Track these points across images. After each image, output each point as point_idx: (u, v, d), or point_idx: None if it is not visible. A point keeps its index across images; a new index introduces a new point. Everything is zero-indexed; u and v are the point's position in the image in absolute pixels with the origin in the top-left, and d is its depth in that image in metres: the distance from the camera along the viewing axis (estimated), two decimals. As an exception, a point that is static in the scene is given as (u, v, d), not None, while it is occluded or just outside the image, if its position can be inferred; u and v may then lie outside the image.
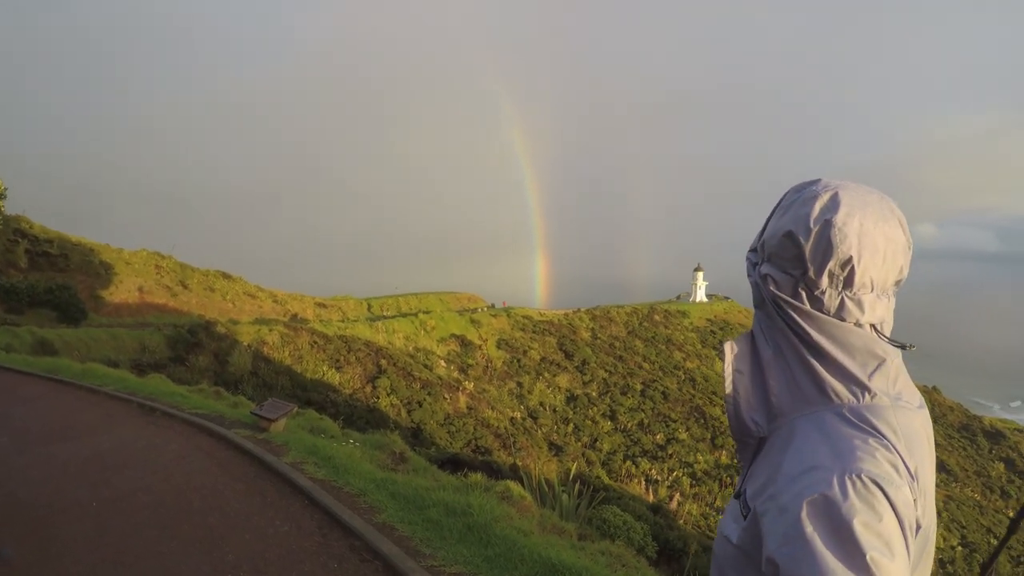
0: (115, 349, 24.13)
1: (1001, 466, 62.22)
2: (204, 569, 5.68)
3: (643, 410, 48.90)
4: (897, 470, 1.27)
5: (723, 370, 1.53)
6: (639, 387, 53.03)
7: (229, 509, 7.34)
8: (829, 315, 1.41)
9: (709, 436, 45.17)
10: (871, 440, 1.30)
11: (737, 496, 1.49)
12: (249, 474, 8.74)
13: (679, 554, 11.34)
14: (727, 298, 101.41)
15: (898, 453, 1.30)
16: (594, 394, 51.33)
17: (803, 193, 1.45)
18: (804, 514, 1.21)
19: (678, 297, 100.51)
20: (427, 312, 58.40)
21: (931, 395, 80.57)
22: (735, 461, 41.25)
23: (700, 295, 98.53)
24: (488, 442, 29.64)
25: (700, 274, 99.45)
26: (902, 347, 1.46)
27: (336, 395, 27.88)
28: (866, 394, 1.39)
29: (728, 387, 1.52)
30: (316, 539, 6.62)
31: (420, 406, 30.69)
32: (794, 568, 1.18)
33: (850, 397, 1.40)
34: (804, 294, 1.43)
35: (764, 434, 1.47)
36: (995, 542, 36.30)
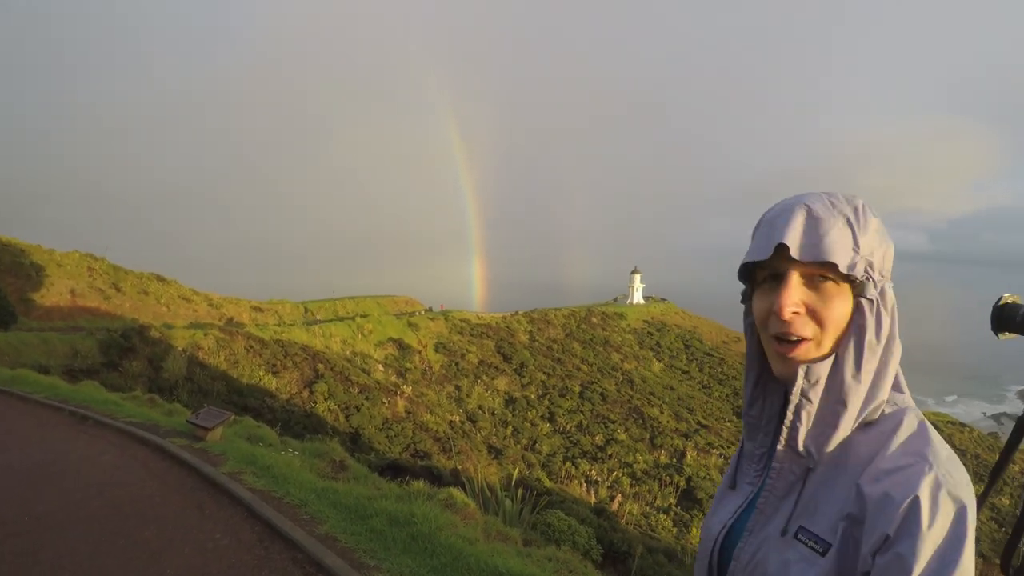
0: (46, 354, 23.57)
1: (936, 459, 64.09)
2: (143, 587, 5.55)
3: (582, 412, 49.16)
4: None
5: (792, 395, 1.39)
6: (577, 389, 53.28)
7: (167, 522, 7.19)
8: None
9: (648, 436, 45.55)
10: (941, 441, 1.34)
11: (784, 534, 1.37)
12: (186, 485, 8.59)
13: (624, 556, 11.41)
14: (664, 300, 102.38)
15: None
16: (533, 396, 51.46)
17: (852, 205, 1.41)
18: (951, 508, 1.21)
19: (615, 299, 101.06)
20: (364, 316, 58.04)
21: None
22: (674, 460, 41.72)
23: (637, 297, 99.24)
24: (427, 446, 29.56)
25: (637, 276, 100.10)
26: None
27: (273, 400, 27.58)
28: (903, 394, 1.45)
29: (789, 416, 1.41)
30: (257, 552, 6.50)
31: (358, 411, 30.51)
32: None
33: (904, 399, 1.44)
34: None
35: (813, 465, 1.39)
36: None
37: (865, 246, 1.38)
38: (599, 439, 44.76)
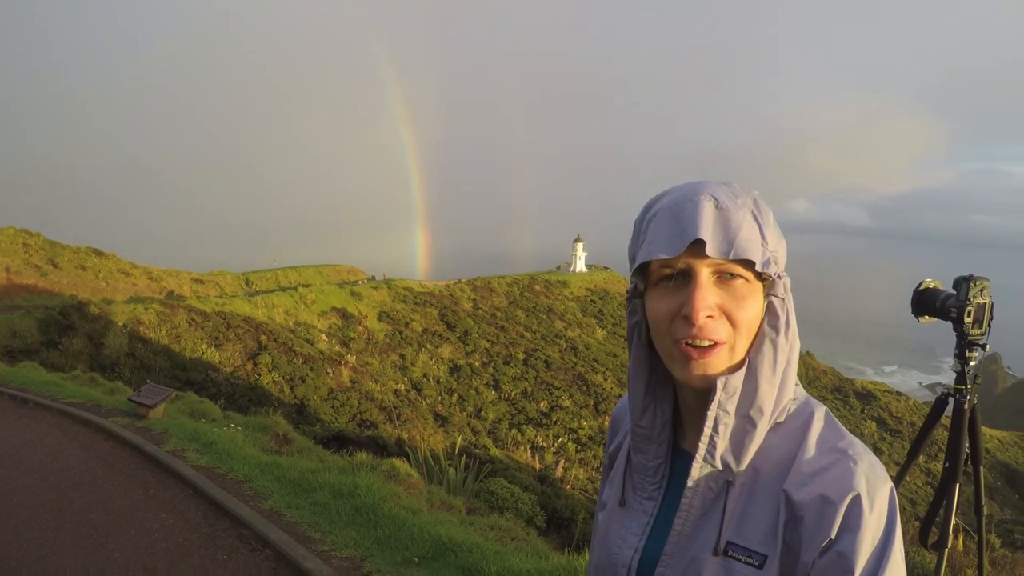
0: (-17, 335, 23.15)
1: (873, 425, 65.31)
2: (91, 570, 5.61)
3: (526, 379, 49.45)
4: None
5: (710, 409, 1.28)
6: (521, 356, 53.51)
7: (112, 505, 7.24)
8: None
9: (592, 402, 46.06)
10: (844, 427, 1.32)
11: (715, 553, 1.27)
12: (130, 466, 8.62)
13: (568, 522, 11.61)
14: (607, 268, 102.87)
15: None
16: (477, 364, 51.62)
17: (751, 196, 1.33)
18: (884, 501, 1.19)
19: (558, 267, 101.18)
20: (307, 285, 57.56)
21: (804, 359, 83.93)
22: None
23: (580, 265, 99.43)
24: (373, 416, 29.61)
25: (580, 245, 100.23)
26: None
27: (217, 374, 27.39)
28: (798, 385, 1.38)
29: (707, 431, 1.30)
30: (204, 530, 6.59)
31: (303, 382, 30.45)
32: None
33: (799, 390, 1.38)
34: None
35: (732, 478, 1.30)
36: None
37: (770, 240, 1.30)
38: (544, 406, 45.13)
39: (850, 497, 1.16)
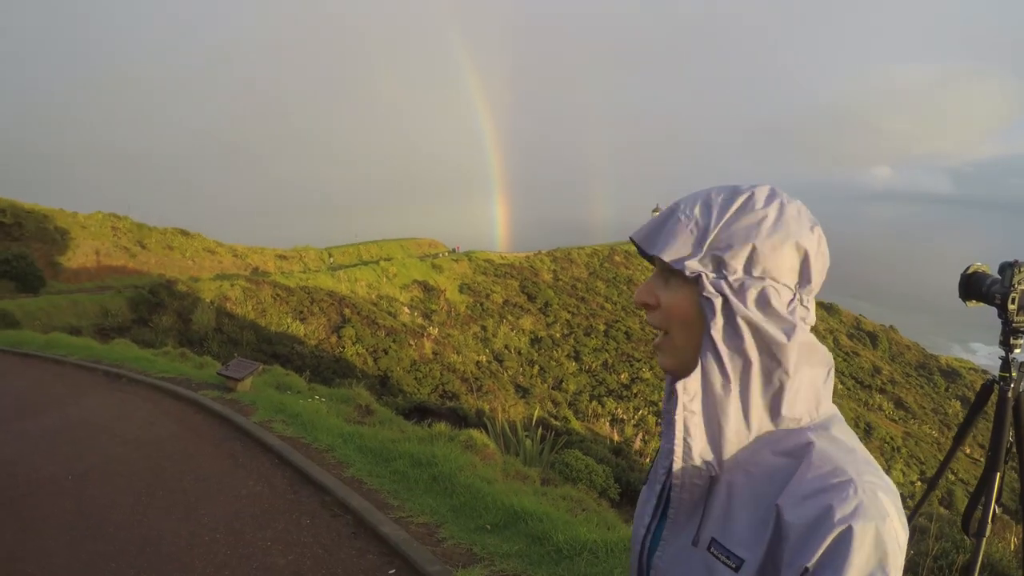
0: (77, 315, 24.05)
1: (957, 404, 63.16)
2: (182, 533, 5.89)
3: (607, 350, 49.44)
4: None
5: (673, 413, 1.31)
6: (602, 328, 53.45)
7: (202, 472, 7.55)
8: (807, 324, 1.31)
9: (672, 375, 45.86)
10: (861, 448, 1.25)
11: (696, 545, 1.30)
12: (219, 436, 8.94)
13: (642, 495, 11.66)
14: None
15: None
16: (558, 336, 51.76)
17: (736, 195, 1.31)
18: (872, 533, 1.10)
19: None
20: (388, 259, 58.20)
21: (889, 334, 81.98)
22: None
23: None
24: (455, 387, 29.96)
25: (657, 215, 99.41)
26: None
27: (302, 347, 28.01)
28: (826, 399, 1.32)
29: (679, 431, 1.31)
30: (288, 497, 6.85)
31: (386, 354, 30.93)
32: None
33: (826, 405, 1.32)
34: (796, 305, 1.30)
35: (715, 473, 1.30)
36: (952, 478, 37.36)
37: (720, 240, 1.27)
38: (624, 378, 45.10)
39: (840, 528, 1.10)
